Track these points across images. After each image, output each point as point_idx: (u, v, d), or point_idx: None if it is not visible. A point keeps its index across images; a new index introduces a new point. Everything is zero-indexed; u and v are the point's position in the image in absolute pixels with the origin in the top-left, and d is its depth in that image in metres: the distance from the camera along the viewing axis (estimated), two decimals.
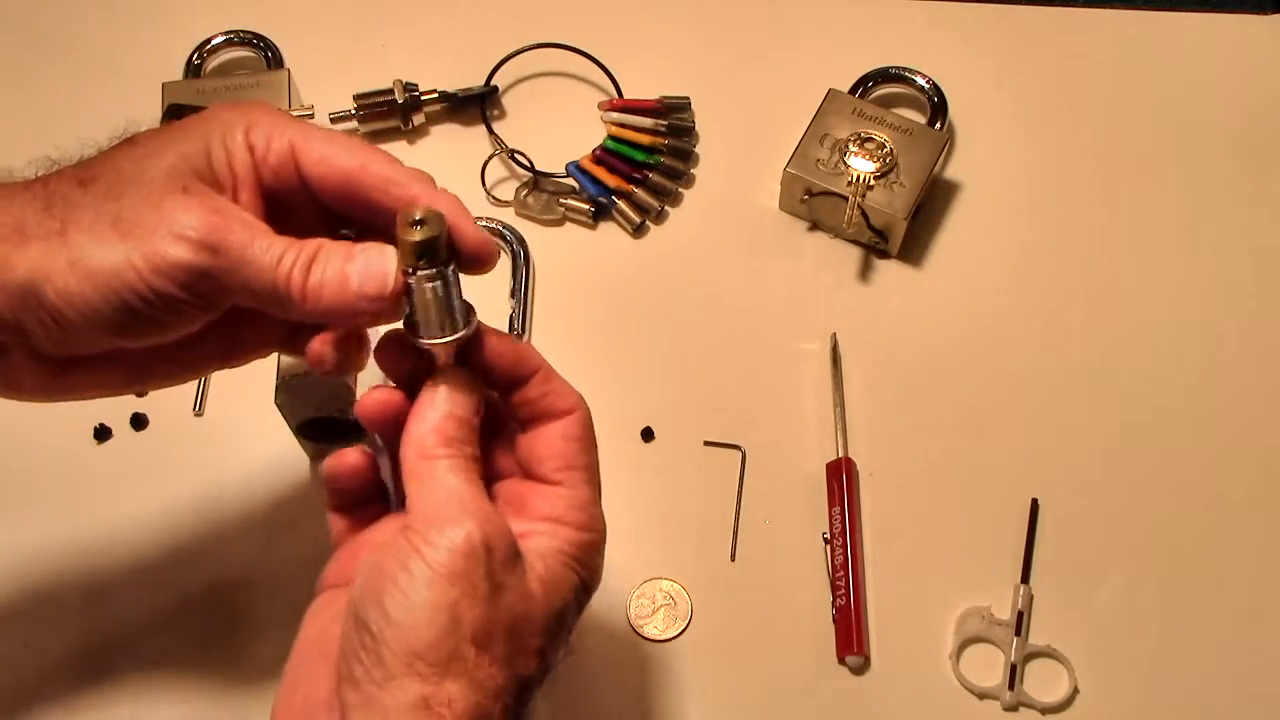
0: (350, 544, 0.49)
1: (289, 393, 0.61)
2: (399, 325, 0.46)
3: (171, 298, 0.44)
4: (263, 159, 0.46)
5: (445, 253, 0.44)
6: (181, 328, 0.46)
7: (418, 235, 0.43)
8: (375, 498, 0.50)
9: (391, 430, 0.47)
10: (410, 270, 0.44)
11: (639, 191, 0.75)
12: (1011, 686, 0.61)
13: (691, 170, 0.77)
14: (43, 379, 0.48)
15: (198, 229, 0.43)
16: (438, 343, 0.45)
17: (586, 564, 0.48)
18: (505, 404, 0.49)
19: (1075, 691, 0.62)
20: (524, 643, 0.44)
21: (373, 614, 0.42)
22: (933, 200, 0.75)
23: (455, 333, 0.45)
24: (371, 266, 0.44)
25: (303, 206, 0.47)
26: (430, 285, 0.44)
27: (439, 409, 0.46)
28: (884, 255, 0.74)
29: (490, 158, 0.76)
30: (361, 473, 0.48)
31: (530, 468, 0.48)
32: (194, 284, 0.44)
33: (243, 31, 0.79)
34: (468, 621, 0.42)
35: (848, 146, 0.72)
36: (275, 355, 0.60)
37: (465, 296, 0.46)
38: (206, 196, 0.45)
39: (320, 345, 0.46)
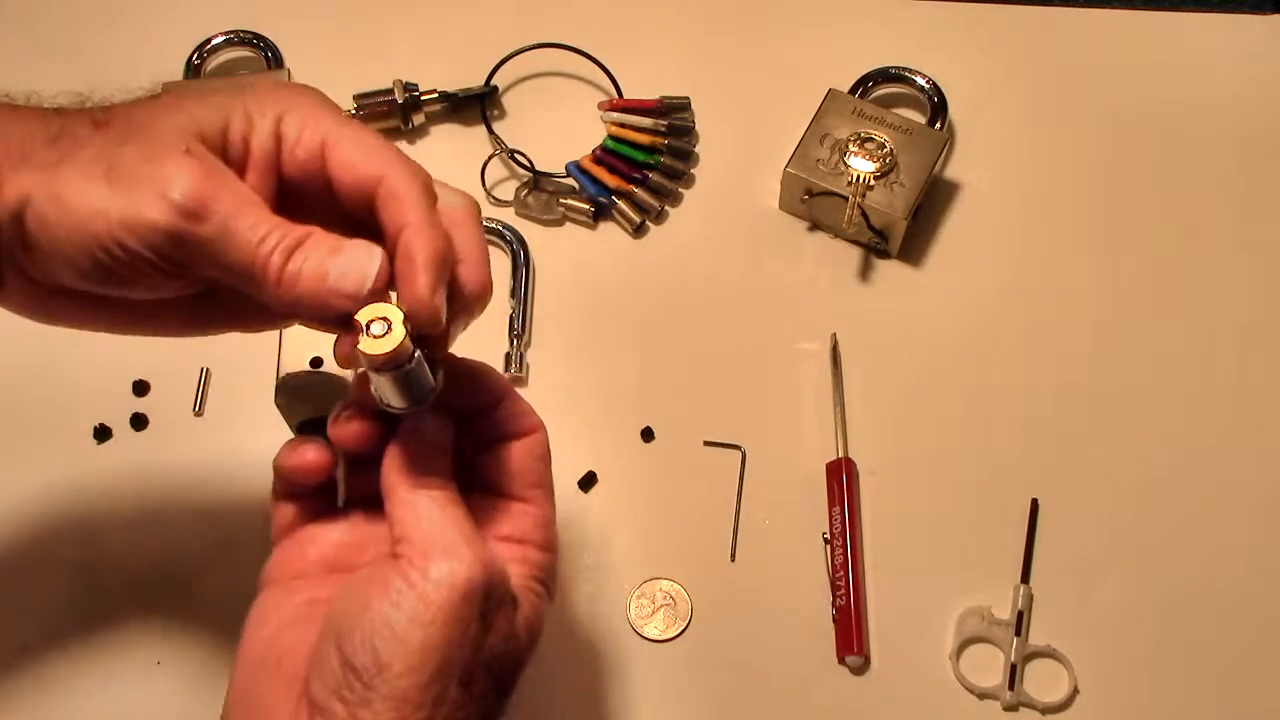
0: (296, 537, 0.48)
1: (288, 393, 0.61)
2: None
3: (139, 256, 0.42)
4: (291, 150, 0.44)
5: (409, 351, 0.42)
6: (149, 289, 0.44)
7: (377, 349, 0.41)
8: (325, 489, 0.49)
9: (362, 451, 0.47)
10: (370, 369, 0.43)
11: (639, 191, 0.75)
12: (1011, 686, 0.61)
13: (691, 170, 0.77)
14: (33, 300, 0.46)
15: (184, 192, 0.41)
16: (405, 411, 0.45)
17: (549, 585, 0.48)
18: (473, 425, 0.48)
19: (1075, 691, 0.62)
20: (499, 680, 0.44)
21: (361, 656, 0.41)
22: (933, 200, 0.75)
23: (421, 403, 0.45)
24: (353, 266, 0.42)
25: (325, 201, 0.45)
26: (390, 379, 0.43)
27: (428, 441, 0.46)
28: (884, 255, 0.74)
29: (490, 158, 0.76)
30: (321, 470, 0.48)
31: (496, 483, 0.48)
32: (165, 249, 0.41)
33: (243, 31, 0.79)
34: (457, 663, 0.42)
35: (848, 146, 0.72)
36: (275, 355, 0.61)
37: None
38: (205, 161, 0.42)
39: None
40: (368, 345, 0.41)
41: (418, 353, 0.43)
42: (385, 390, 0.44)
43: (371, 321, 0.42)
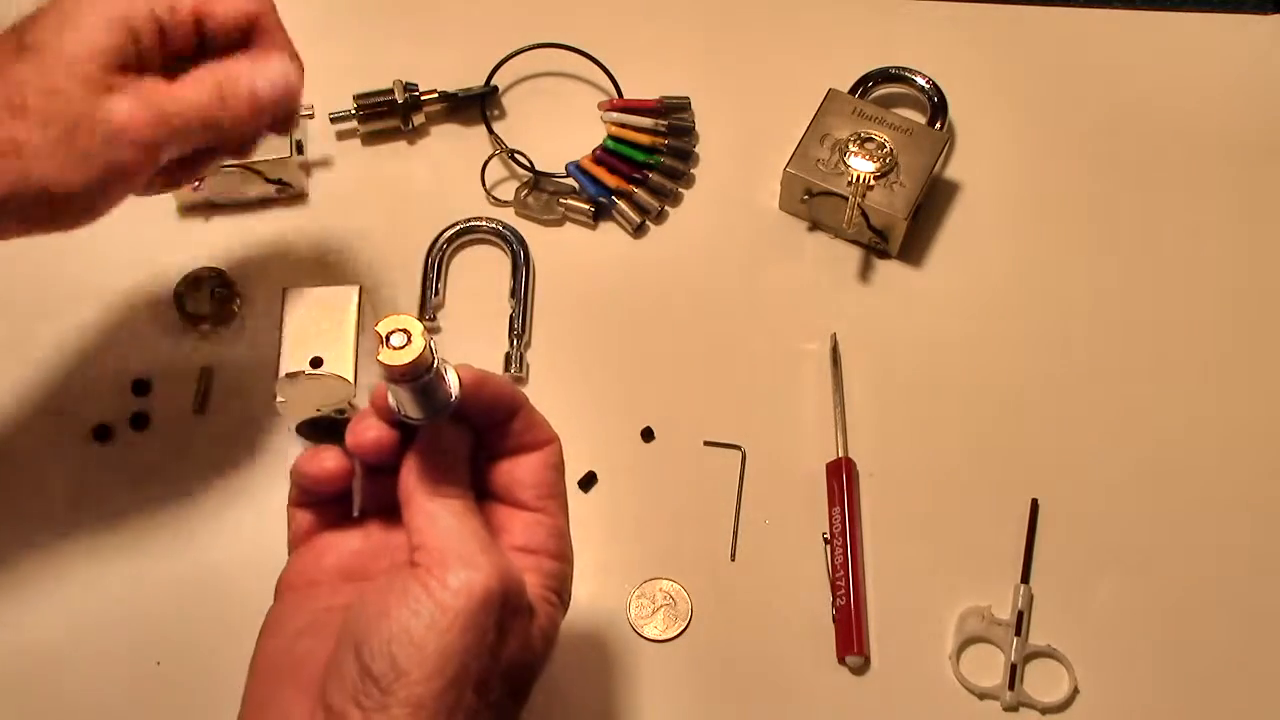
0: (313, 544, 0.49)
1: (289, 393, 0.61)
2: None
3: (131, 169, 0.51)
4: (173, 27, 0.52)
5: (428, 363, 0.43)
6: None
7: (397, 360, 0.42)
8: (341, 497, 0.50)
9: (380, 460, 0.47)
10: (389, 380, 0.44)
11: (639, 191, 0.75)
12: (1011, 686, 0.61)
13: (691, 170, 0.77)
14: None
15: (142, 136, 0.50)
16: (423, 422, 0.46)
17: (562, 593, 0.48)
18: (488, 437, 0.49)
19: (1075, 691, 0.62)
20: (514, 687, 0.45)
21: (379, 662, 0.41)
22: (933, 200, 0.75)
23: (439, 414, 0.45)
24: (274, 85, 0.54)
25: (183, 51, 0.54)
26: (409, 390, 0.44)
27: (445, 451, 0.46)
28: (884, 255, 0.74)
29: (490, 158, 0.76)
30: (339, 478, 0.48)
31: (510, 493, 0.48)
32: (149, 161, 0.51)
33: None
34: (474, 671, 0.42)
35: (848, 146, 0.72)
36: (274, 355, 0.61)
37: (450, 357, 0.46)
38: (139, 92, 0.51)
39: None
40: (387, 356, 0.42)
41: (436, 364, 0.44)
42: (404, 401, 0.45)
43: (391, 333, 0.42)
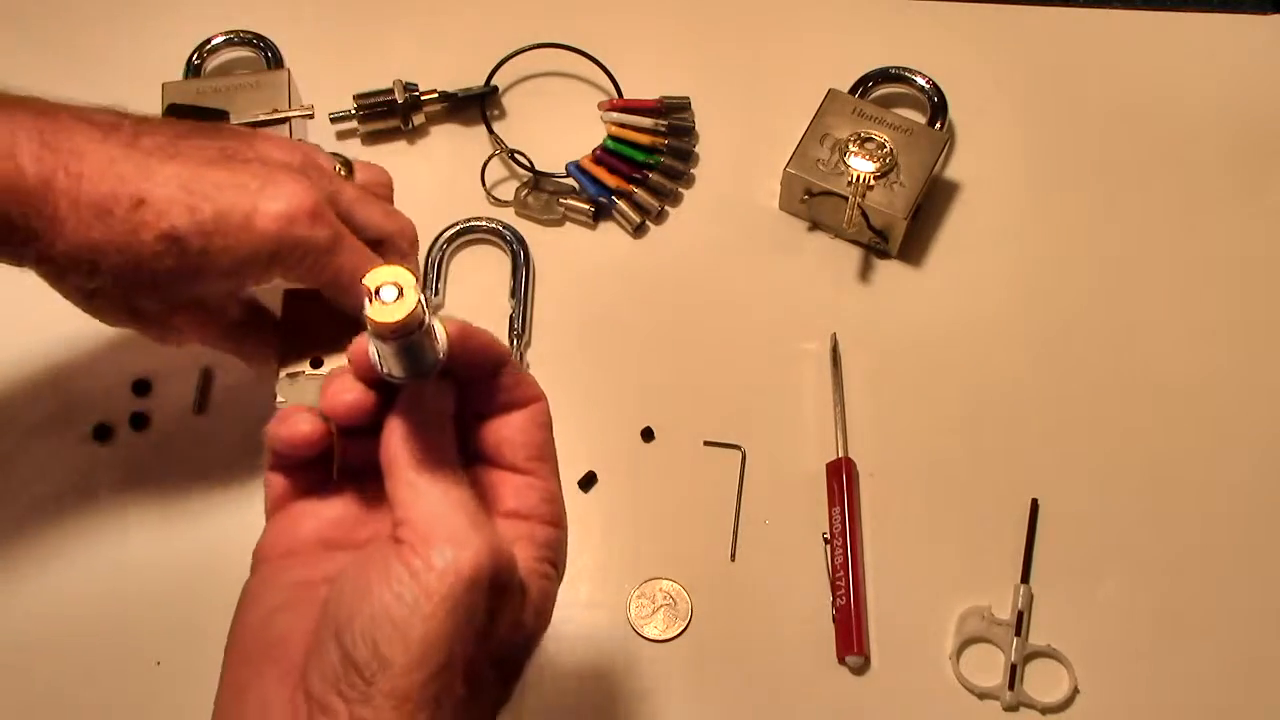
0: (289, 511, 0.46)
1: (289, 393, 0.61)
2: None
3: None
4: None
5: (420, 319, 0.40)
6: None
7: (387, 315, 0.38)
8: (319, 460, 0.46)
9: (358, 424, 0.44)
10: (376, 337, 0.40)
11: (639, 191, 0.75)
12: (1011, 686, 0.61)
13: (691, 170, 0.77)
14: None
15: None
16: (406, 382, 0.42)
17: (557, 562, 0.45)
18: (474, 393, 0.45)
19: (1075, 691, 0.62)
20: (506, 670, 0.43)
21: (361, 650, 0.39)
22: (933, 200, 0.75)
23: (424, 374, 0.42)
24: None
25: None
26: (396, 347, 0.40)
27: (430, 410, 0.43)
28: (884, 255, 0.74)
29: (490, 158, 0.76)
30: (315, 443, 0.45)
31: (499, 454, 0.45)
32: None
33: (243, 31, 0.79)
34: (461, 657, 0.39)
35: (848, 146, 0.72)
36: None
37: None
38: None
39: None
40: (377, 312, 0.38)
41: (426, 320, 0.40)
42: (388, 359, 0.41)
43: (381, 286, 0.39)
